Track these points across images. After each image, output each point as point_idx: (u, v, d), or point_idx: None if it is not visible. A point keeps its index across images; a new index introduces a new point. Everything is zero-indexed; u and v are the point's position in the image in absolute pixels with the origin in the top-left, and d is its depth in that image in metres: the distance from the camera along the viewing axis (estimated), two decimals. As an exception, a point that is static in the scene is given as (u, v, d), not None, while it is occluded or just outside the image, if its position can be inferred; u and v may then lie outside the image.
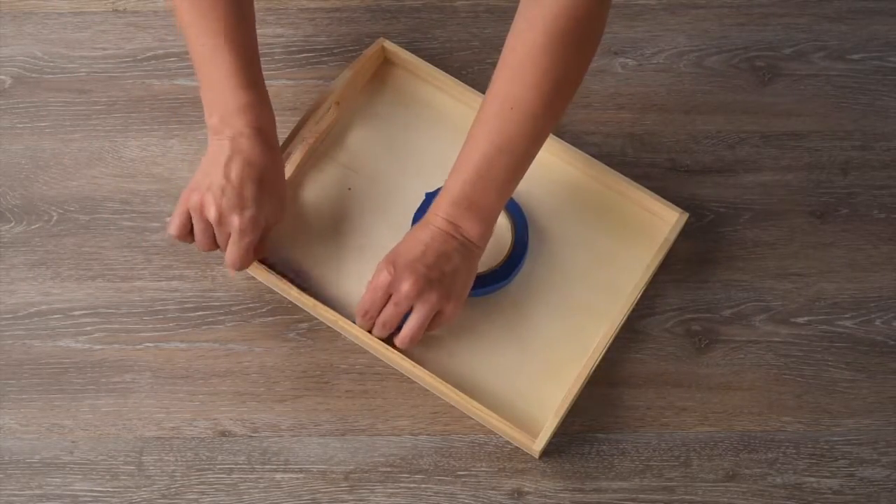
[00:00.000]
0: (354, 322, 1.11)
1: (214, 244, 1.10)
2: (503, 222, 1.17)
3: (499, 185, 1.06)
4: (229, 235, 1.08)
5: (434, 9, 1.29)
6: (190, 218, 1.09)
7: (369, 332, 1.11)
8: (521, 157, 1.05)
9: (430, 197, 1.17)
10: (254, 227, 1.08)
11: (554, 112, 1.05)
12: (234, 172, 1.07)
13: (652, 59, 1.26)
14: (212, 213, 1.07)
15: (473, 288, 1.12)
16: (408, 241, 1.08)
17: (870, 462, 1.11)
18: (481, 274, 1.14)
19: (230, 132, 1.07)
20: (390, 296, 1.07)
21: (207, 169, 1.08)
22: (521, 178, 1.07)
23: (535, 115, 1.03)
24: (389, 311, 1.08)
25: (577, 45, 1.02)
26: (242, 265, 1.10)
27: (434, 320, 1.08)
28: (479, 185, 1.05)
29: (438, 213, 1.07)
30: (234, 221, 1.07)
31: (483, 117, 1.05)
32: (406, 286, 1.06)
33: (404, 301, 1.07)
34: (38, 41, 1.28)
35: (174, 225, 1.09)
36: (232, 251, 1.09)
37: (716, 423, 1.13)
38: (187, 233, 1.10)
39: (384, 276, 1.07)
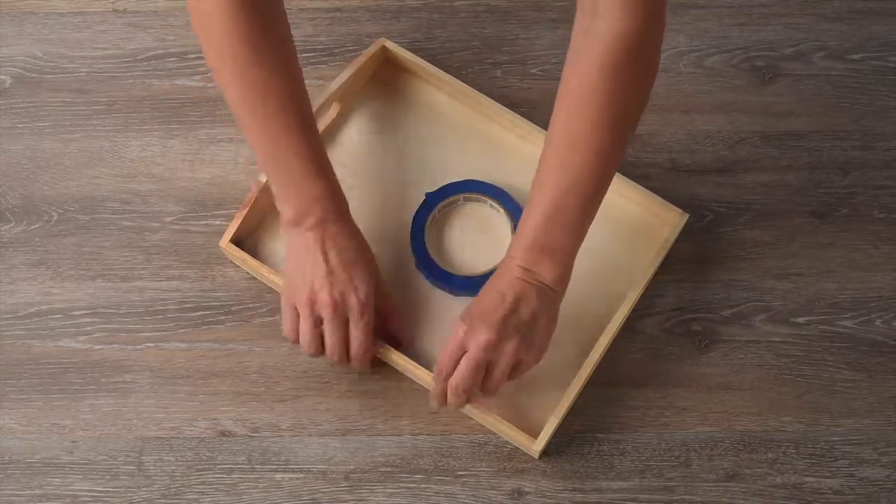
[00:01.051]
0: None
1: (321, 347, 1.07)
2: (503, 221, 1.17)
3: (571, 227, 1.02)
4: (344, 329, 1.05)
5: (434, 9, 1.29)
6: (298, 316, 1.06)
7: (444, 402, 1.05)
8: (589, 195, 1.02)
9: (431, 197, 1.17)
10: (370, 305, 1.05)
11: (616, 146, 1.01)
12: (333, 257, 1.04)
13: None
14: (327, 302, 1.04)
15: (472, 287, 1.12)
16: (484, 293, 1.04)
17: (870, 462, 1.11)
18: (481, 273, 1.14)
19: (313, 220, 1.04)
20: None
21: (301, 262, 1.05)
22: (594, 214, 1.03)
23: (597, 152, 1.00)
24: (462, 372, 1.02)
25: (633, 76, 0.99)
26: (369, 350, 1.07)
27: (514, 371, 1.04)
28: (551, 229, 1.02)
29: (514, 261, 1.03)
30: (352, 303, 1.04)
31: (546, 159, 1.02)
32: (482, 339, 1.01)
33: (480, 355, 1.01)
34: (38, 41, 1.28)
35: (288, 329, 1.07)
36: (356, 336, 1.06)
37: (716, 423, 1.13)
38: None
39: (459, 331, 1.02)
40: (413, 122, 1.22)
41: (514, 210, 1.16)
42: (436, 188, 1.18)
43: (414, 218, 1.16)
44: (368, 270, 1.07)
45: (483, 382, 1.04)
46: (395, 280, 1.16)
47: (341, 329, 1.06)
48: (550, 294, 1.04)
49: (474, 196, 1.18)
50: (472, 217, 1.19)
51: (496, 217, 1.18)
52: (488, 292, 1.04)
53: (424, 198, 1.17)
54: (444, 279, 1.15)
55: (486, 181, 1.18)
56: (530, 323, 1.02)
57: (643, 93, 1.02)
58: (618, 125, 1.00)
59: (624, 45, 0.97)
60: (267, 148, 1.05)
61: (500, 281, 1.04)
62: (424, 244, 1.15)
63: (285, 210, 1.06)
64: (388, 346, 1.10)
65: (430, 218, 1.16)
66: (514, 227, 1.15)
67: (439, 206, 1.17)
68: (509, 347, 1.02)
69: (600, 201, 1.04)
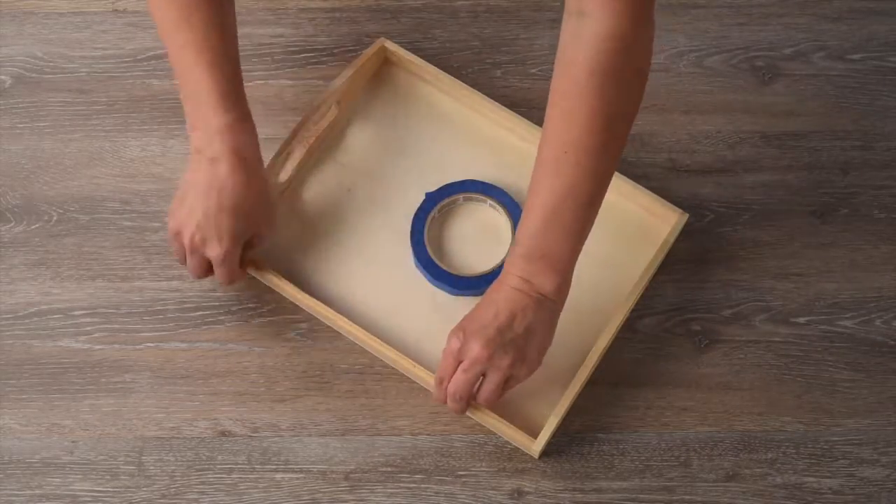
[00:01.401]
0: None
1: (202, 270, 1.11)
2: (503, 221, 1.17)
3: (568, 233, 1.01)
4: (205, 261, 1.09)
5: (434, 9, 1.29)
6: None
7: (445, 403, 1.06)
8: (585, 201, 1.01)
9: (431, 196, 1.17)
10: (229, 258, 1.08)
11: (611, 149, 1.00)
12: (212, 203, 1.06)
13: (652, 58, 1.26)
14: (186, 242, 1.08)
15: (472, 287, 1.12)
16: (481, 305, 1.04)
17: (870, 462, 1.11)
18: (481, 273, 1.14)
19: (209, 153, 1.06)
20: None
21: (186, 192, 1.08)
22: (593, 220, 1.02)
23: (591, 156, 0.99)
24: (458, 380, 1.03)
25: (623, 79, 0.98)
26: (232, 282, 1.12)
27: (507, 383, 1.04)
28: (548, 236, 1.01)
29: (511, 271, 1.02)
30: (212, 253, 1.08)
31: (541, 165, 1.01)
32: (474, 351, 1.02)
33: (474, 367, 1.02)
34: (38, 41, 1.28)
35: (176, 252, 1.11)
36: (219, 274, 1.10)
37: (716, 423, 1.13)
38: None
39: (454, 343, 1.03)
40: (413, 122, 1.22)
41: (514, 210, 1.16)
42: (436, 188, 1.18)
43: (414, 217, 1.16)
44: (244, 220, 1.08)
45: (477, 393, 1.05)
46: (395, 279, 1.16)
47: (201, 262, 1.10)
48: (549, 305, 1.03)
49: (474, 196, 1.18)
50: (472, 217, 1.19)
51: (496, 217, 1.18)
52: (485, 305, 1.04)
53: (424, 197, 1.17)
54: (444, 279, 1.15)
55: (486, 181, 1.18)
56: (525, 336, 1.02)
57: (635, 94, 1.01)
58: (611, 128, 0.99)
59: (612, 47, 0.96)
60: (179, 63, 1.07)
61: (496, 293, 1.03)
62: (424, 244, 1.15)
63: (192, 137, 1.08)
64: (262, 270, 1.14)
65: (429, 217, 1.16)
66: (514, 227, 1.15)
67: (439, 205, 1.17)
68: (501, 363, 1.02)
69: (598, 206, 1.03)
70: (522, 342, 1.03)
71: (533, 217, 1.01)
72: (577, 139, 0.98)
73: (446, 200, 1.17)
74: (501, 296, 1.03)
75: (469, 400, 1.05)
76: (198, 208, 1.06)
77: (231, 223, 1.07)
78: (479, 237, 1.18)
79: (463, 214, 1.19)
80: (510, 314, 1.02)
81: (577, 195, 1.00)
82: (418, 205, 1.17)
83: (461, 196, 1.18)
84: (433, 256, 1.15)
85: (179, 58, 1.06)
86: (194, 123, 1.07)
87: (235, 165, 1.06)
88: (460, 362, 1.03)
